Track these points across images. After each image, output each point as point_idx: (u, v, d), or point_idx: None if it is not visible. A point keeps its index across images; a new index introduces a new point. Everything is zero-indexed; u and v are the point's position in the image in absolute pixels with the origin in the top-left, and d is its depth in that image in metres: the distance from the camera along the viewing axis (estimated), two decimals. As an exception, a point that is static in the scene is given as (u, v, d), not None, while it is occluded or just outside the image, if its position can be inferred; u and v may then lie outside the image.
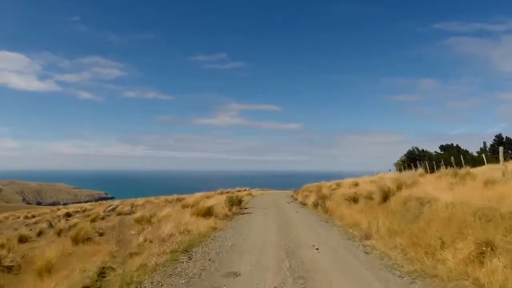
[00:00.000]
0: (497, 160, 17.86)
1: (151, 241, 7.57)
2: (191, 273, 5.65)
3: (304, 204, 18.69)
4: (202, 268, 5.94)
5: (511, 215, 5.97)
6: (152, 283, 5.19)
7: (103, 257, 6.89)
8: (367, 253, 7.03)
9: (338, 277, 5.39)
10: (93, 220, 17.91)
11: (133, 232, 10.28)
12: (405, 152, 37.96)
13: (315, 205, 15.70)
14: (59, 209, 31.67)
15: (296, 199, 24.38)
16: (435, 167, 21.98)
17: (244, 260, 6.49)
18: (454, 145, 38.86)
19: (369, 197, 12.61)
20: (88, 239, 10.50)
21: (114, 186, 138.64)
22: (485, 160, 18.74)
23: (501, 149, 12.50)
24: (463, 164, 17.14)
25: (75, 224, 16.33)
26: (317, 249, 7.32)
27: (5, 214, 34.07)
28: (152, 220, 13.26)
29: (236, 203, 15.05)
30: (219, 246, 7.79)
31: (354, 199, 13.34)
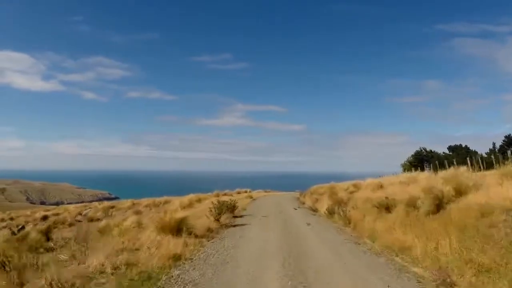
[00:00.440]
0: (508, 162, 16.27)
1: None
2: None
3: (314, 210, 15.11)
4: None
5: None
6: None
7: None
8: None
9: None
10: (54, 227, 14.49)
11: (63, 256, 6.83)
12: (413, 153, 36.92)
13: (331, 212, 12.16)
14: (37, 212, 28.38)
15: (303, 203, 20.84)
16: (447, 167, 19.24)
17: None
18: (463, 145, 37.39)
19: (411, 205, 9.03)
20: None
21: (118, 186, 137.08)
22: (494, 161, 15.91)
23: None
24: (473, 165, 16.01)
25: (27, 234, 12.98)
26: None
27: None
28: (113, 232, 10.08)
29: (227, 210, 11.55)
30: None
31: (387, 207, 9.76)
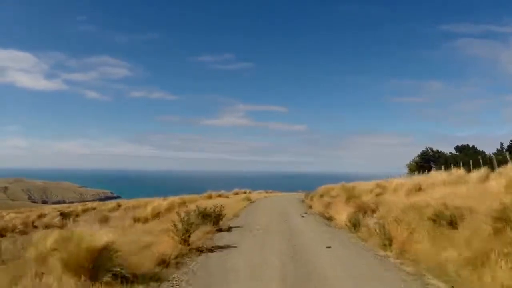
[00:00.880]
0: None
1: None
2: None
3: (328, 218, 11.58)
4: None
5: None
6: None
7: None
8: None
9: None
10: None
11: None
12: (419, 153, 35.26)
13: (354, 224, 8.68)
14: (8, 213, 25.18)
15: (311, 207, 17.34)
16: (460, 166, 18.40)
17: None
18: (470, 146, 35.40)
19: (500, 218, 5.55)
20: None
21: (120, 186, 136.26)
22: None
23: None
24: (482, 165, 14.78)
25: None
26: None
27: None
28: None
29: (208, 221, 8.09)
30: None
31: (452, 221, 6.28)
